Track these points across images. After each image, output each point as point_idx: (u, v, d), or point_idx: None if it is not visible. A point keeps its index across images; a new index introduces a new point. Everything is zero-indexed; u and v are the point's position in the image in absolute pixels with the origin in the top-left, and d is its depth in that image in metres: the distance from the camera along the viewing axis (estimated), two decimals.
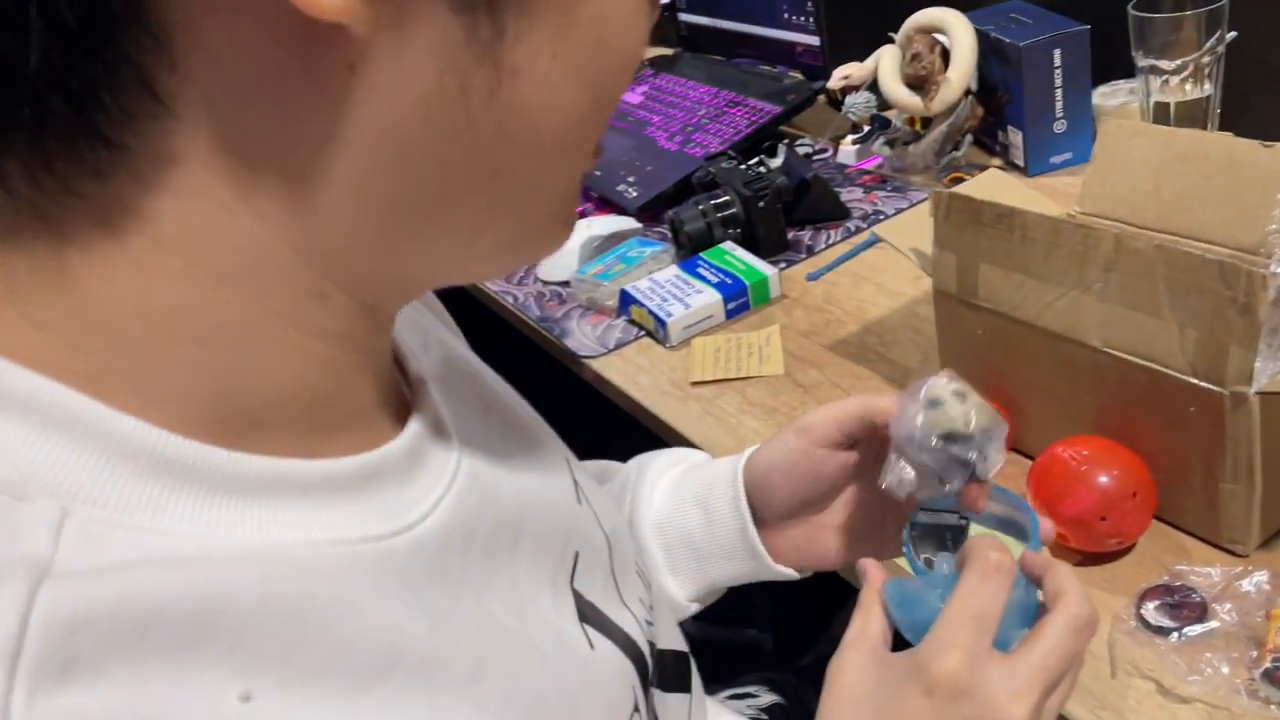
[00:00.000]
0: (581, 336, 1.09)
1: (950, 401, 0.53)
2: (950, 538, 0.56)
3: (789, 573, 0.63)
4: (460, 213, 0.33)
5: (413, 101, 0.30)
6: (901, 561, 0.62)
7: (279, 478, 0.32)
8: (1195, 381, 0.64)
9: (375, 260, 0.33)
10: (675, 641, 0.53)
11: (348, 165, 0.30)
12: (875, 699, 0.46)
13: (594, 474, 0.72)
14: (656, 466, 0.68)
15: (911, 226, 0.93)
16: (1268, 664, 0.59)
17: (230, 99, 0.28)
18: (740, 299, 1.07)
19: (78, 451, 0.28)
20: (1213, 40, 1.04)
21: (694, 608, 0.66)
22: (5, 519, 0.26)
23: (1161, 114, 1.08)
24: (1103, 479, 0.68)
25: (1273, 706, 0.59)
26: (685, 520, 0.64)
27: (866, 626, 0.49)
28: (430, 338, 0.47)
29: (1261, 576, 0.64)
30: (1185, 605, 0.63)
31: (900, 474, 0.54)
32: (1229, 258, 0.65)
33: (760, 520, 0.62)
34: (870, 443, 0.60)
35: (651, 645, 0.48)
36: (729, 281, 1.07)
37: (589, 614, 0.43)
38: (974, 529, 0.57)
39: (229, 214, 0.30)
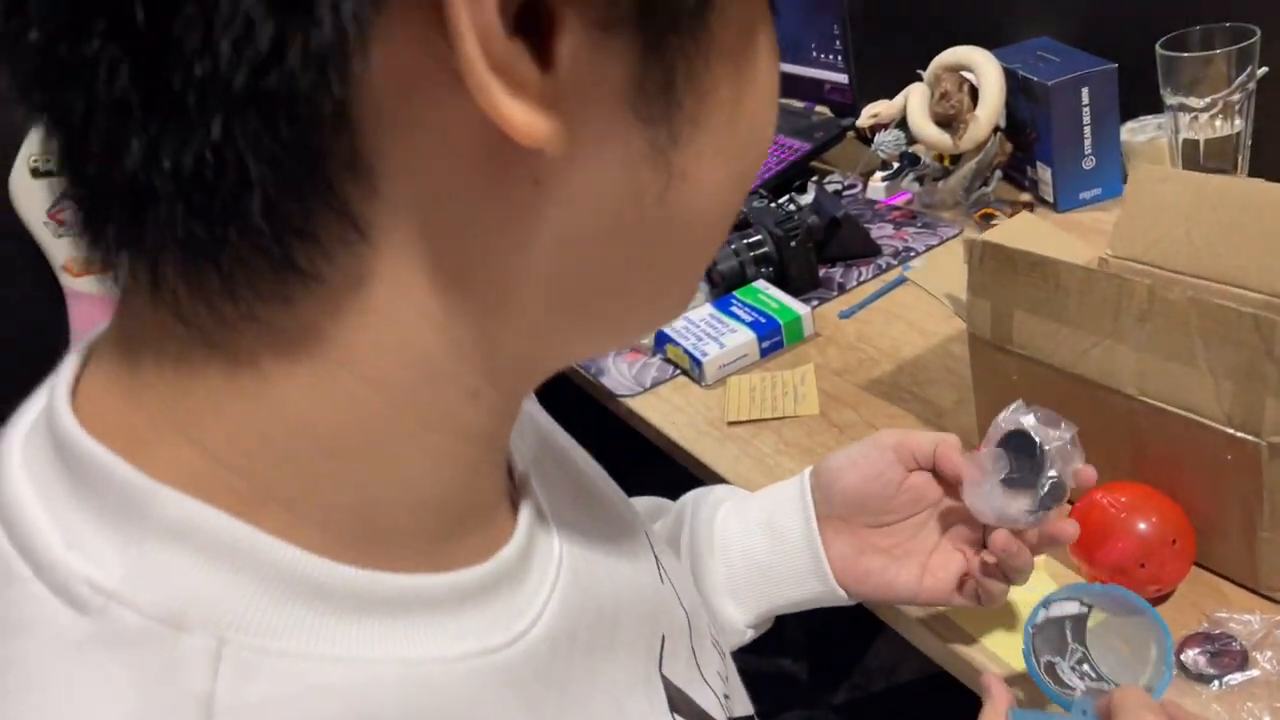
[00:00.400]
0: (618, 375, 1.11)
1: (1029, 424, 0.57)
2: (1071, 629, 0.59)
3: (846, 597, 0.67)
4: (617, 302, 0.34)
5: (592, 209, 0.30)
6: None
7: (412, 595, 0.32)
8: (1232, 432, 0.65)
9: (532, 353, 0.34)
10: (746, 706, 0.54)
11: (525, 275, 0.31)
12: None
13: (647, 512, 0.74)
14: (715, 495, 0.70)
15: (944, 269, 0.94)
16: None
17: (424, 221, 0.29)
18: (774, 338, 1.09)
19: (233, 579, 0.29)
20: (1243, 77, 1.05)
21: (750, 635, 0.68)
22: (167, 653, 0.27)
23: (1191, 151, 1.09)
24: (1142, 526, 0.69)
25: None
26: (751, 542, 0.67)
27: None
28: (524, 415, 0.46)
29: None
30: (1226, 653, 0.64)
31: (986, 497, 0.59)
32: (1263, 309, 0.66)
33: (819, 516, 0.65)
34: (926, 484, 0.64)
35: None
36: (763, 320, 1.09)
37: (678, 702, 0.44)
38: (1094, 616, 0.60)
39: (411, 330, 0.30)
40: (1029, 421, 0.63)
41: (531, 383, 0.37)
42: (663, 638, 0.45)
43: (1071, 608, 0.61)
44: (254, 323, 0.29)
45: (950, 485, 0.66)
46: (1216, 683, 0.63)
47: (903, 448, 0.65)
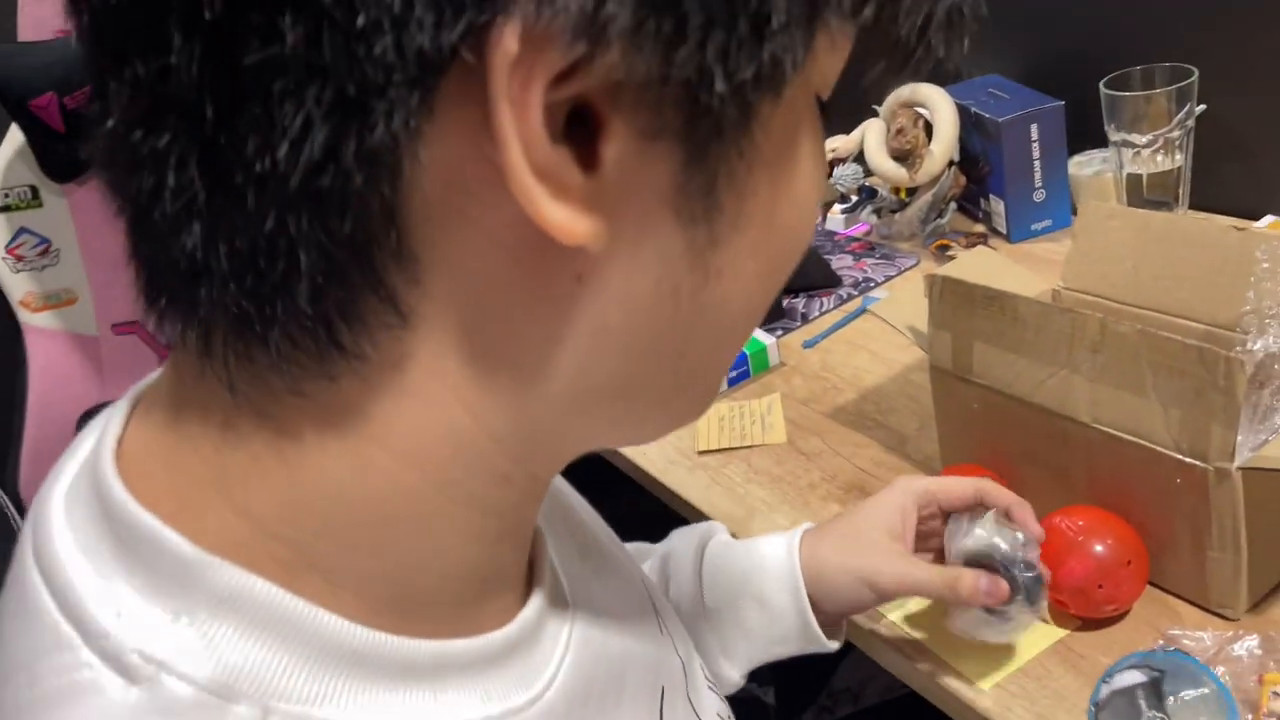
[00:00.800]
0: None
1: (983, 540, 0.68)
2: (1145, 698, 0.64)
3: (834, 647, 0.71)
4: (647, 394, 0.35)
5: (630, 305, 0.31)
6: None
7: (444, 660, 0.34)
8: (1180, 457, 0.69)
9: (561, 440, 0.35)
10: None
11: (559, 366, 0.32)
12: None
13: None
14: (699, 547, 0.73)
15: (904, 301, 0.98)
16: None
17: (463, 309, 0.30)
18: (741, 368, 1.11)
19: (279, 649, 0.30)
20: (1182, 114, 1.10)
21: (743, 681, 0.72)
22: None
23: (1135, 185, 1.14)
24: (1098, 548, 0.72)
25: None
26: (741, 614, 0.70)
27: None
28: None
29: (1252, 641, 0.68)
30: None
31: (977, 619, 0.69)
32: (1206, 339, 0.69)
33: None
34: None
35: None
36: None
37: None
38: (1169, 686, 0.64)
39: (445, 411, 0.31)
40: (982, 537, 0.68)
41: (559, 465, 0.38)
42: (662, 689, 0.46)
43: (1138, 676, 0.65)
44: (299, 396, 0.30)
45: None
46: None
47: (926, 500, 0.70)
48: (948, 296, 0.81)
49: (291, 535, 0.31)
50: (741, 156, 0.30)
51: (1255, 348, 0.75)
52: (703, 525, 0.77)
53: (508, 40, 0.25)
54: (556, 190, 0.27)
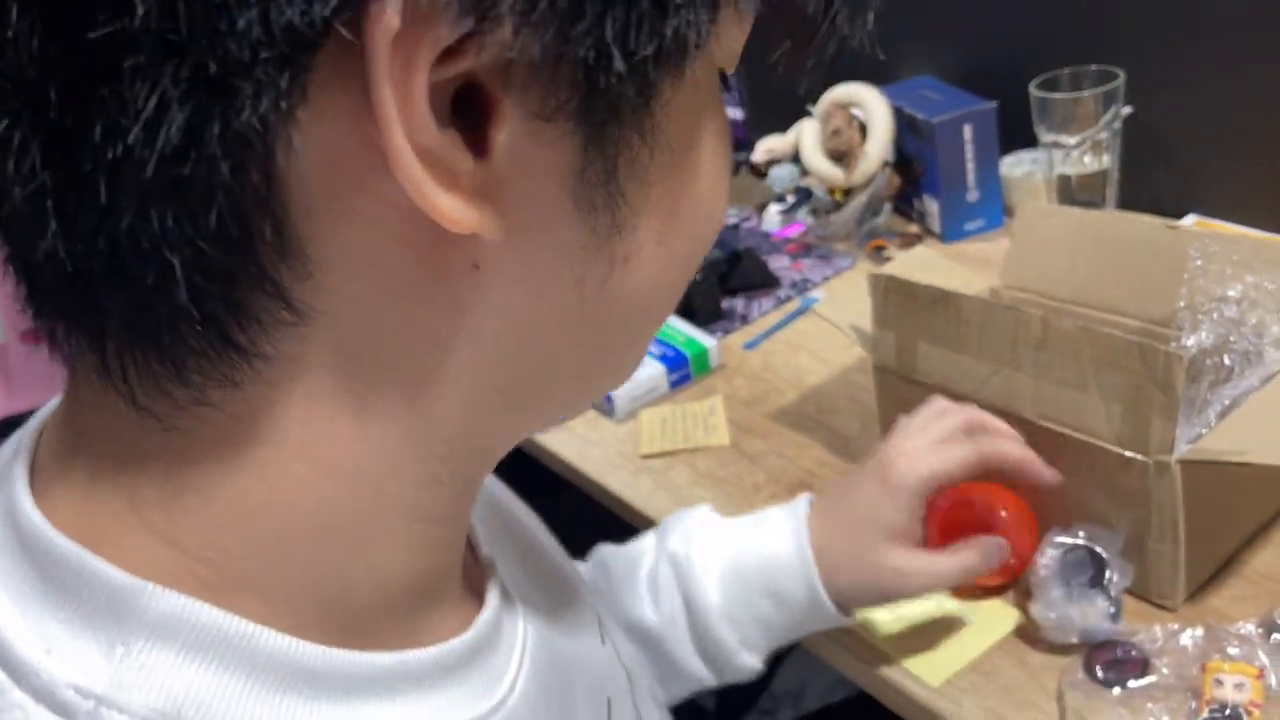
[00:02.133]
0: None
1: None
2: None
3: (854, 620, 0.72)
4: (567, 384, 0.34)
5: (532, 294, 0.30)
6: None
7: (398, 672, 0.32)
8: (1121, 451, 0.70)
9: (486, 439, 0.34)
10: None
11: (467, 358, 0.30)
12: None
13: (597, 563, 0.74)
14: (697, 553, 0.71)
15: (845, 301, 0.98)
16: (1205, 714, 0.64)
17: (361, 303, 0.28)
18: (682, 370, 1.11)
19: (224, 673, 0.29)
20: (1109, 116, 1.12)
21: (764, 667, 0.72)
22: None
23: (1065, 185, 1.16)
24: (1003, 513, 0.73)
25: None
26: (758, 610, 0.69)
27: None
28: None
29: (1197, 633, 0.69)
30: (1128, 661, 0.68)
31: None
32: (1141, 335, 0.71)
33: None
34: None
35: None
36: (670, 353, 1.11)
37: None
38: None
39: (353, 415, 0.30)
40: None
41: (489, 465, 0.36)
42: (609, 700, 0.45)
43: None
44: (205, 407, 0.28)
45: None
46: (1119, 688, 0.67)
47: (932, 487, 0.69)
48: (892, 296, 0.81)
49: (216, 557, 0.29)
50: (643, 139, 0.28)
51: (1189, 343, 0.77)
52: (698, 516, 0.75)
53: (388, 15, 0.23)
54: (445, 177, 0.26)
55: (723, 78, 0.32)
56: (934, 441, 0.69)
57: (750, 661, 0.70)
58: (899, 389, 0.84)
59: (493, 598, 0.38)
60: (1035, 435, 0.73)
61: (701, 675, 0.71)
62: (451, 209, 0.26)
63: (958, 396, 0.79)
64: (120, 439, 0.29)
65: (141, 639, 0.28)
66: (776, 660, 1.37)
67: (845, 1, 0.30)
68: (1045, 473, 0.70)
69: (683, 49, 0.27)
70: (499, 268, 0.29)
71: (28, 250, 0.26)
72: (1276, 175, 1.10)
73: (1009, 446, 0.70)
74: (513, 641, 0.38)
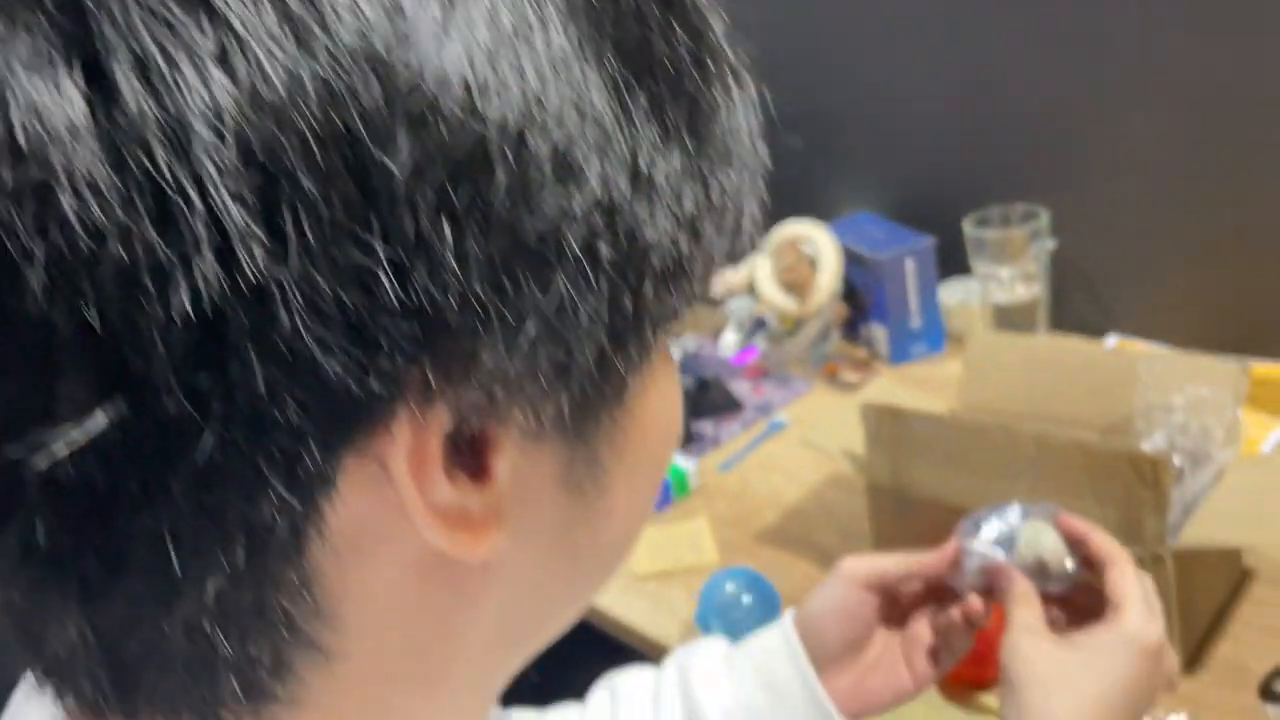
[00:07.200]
0: None
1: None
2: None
3: None
4: (565, 614, 0.37)
5: (533, 570, 0.33)
6: None
7: None
8: None
9: (498, 680, 0.37)
10: None
11: (478, 635, 0.33)
12: (1083, 673, 0.59)
13: (606, 688, 0.77)
14: (699, 659, 0.73)
15: (821, 425, 1.05)
16: None
17: (381, 630, 0.30)
18: (664, 493, 1.16)
19: None
20: (1036, 249, 1.24)
21: None
22: None
23: (1000, 312, 1.27)
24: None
25: None
26: (753, 702, 0.69)
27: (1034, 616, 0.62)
28: None
29: (1181, 718, 0.76)
30: None
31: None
32: (1107, 443, 0.79)
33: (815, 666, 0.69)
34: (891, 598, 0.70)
35: None
36: None
37: None
38: None
39: (378, 716, 0.32)
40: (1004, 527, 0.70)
41: (497, 695, 0.39)
42: None
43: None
44: None
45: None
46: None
47: (872, 581, 0.69)
48: (884, 425, 0.89)
49: None
50: (615, 423, 0.31)
51: (1146, 448, 0.86)
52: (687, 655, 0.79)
53: (400, 437, 0.26)
54: (460, 519, 0.28)
55: None
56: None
57: None
58: (893, 506, 0.91)
59: None
60: None
61: None
62: (466, 546, 0.28)
63: (954, 510, 0.86)
64: None
65: None
66: None
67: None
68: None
69: (648, 354, 0.31)
70: (505, 562, 0.31)
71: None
72: (1185, 299, 1.23)
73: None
74: None
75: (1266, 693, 0.76)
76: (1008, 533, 0.69)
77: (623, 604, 1.03)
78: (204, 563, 0.26)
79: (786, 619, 0.73)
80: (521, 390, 0.27)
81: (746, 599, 0.92)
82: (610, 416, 0.31)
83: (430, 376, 0.26)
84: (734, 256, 0.33)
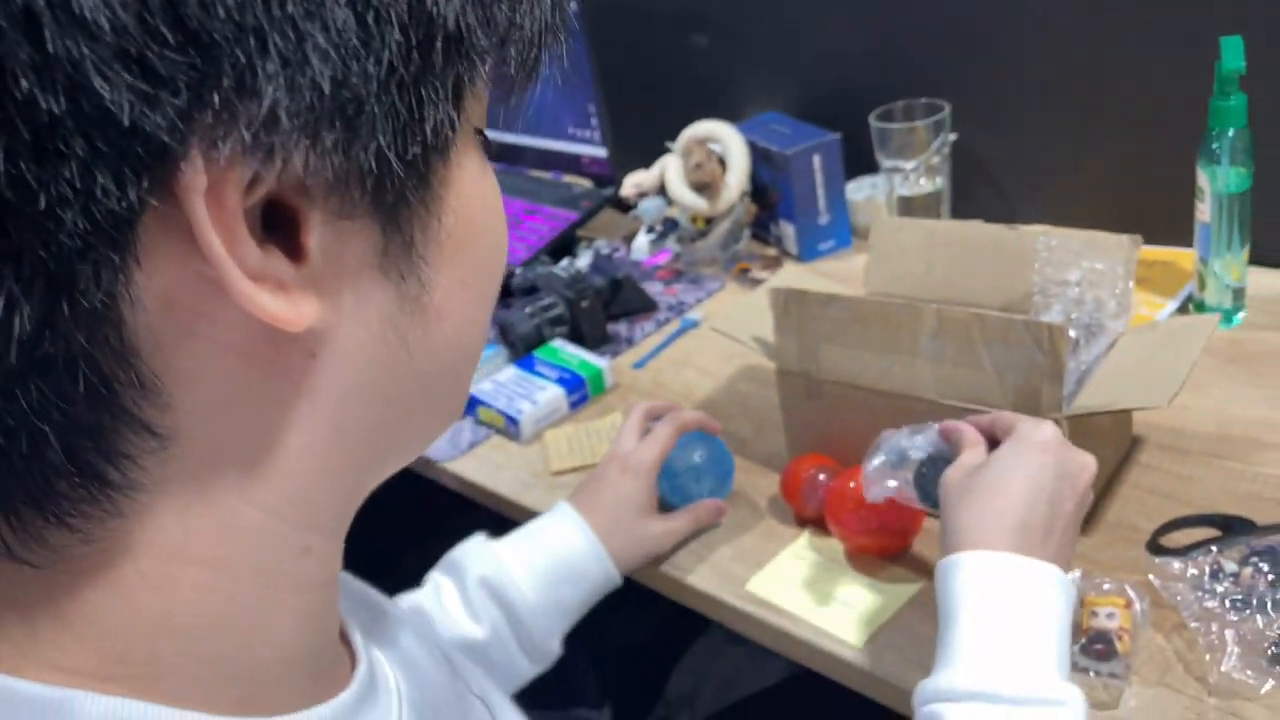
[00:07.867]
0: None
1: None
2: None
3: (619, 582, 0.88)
4: (405, 431, 0.38)
5: (365, 364, 0.34)
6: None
7: None
8: None
9: (344, 496, 0.38)
10: None
11: (316, 433, 0.34)
12: (988, 479, 0.66)
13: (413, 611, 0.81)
14: (501, 570, 0.84)
15: (731, 318, 1.06)
16: (1083, 641, 0.75)
17: (214, 413, 0.31)
18: (580, 391, 1.17)
19: None
20: (938, 143, 1.27)
21: (562, 650, 0.85)
22: None
23: (904, 206, 1.30)
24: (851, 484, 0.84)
25: (1090, 674, 0.74)
26: (561, 597, 0.84)
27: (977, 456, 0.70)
28: None
29: (1075, 574, 0.80)
30: None
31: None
32: (1029, 318, 0.82)
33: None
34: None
35: None
36: (568, 376, 1.17)
37: None
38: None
39: (223, 510, 0.33)
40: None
41: (349, 518, 0.39)
42: None
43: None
44: (91, 544, 0.31)
45: None
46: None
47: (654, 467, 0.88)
48: (792, 305, 0.90)
49: (126, 673, 0.32)
50: (428, 210, 0.33)
51: (1045, 320, 0.89)
52: (472, 556, 0.85)
53: (194, 177, 0.27)
54: (274, 287, 0.30)
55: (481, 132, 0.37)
56: (643, 435, 0.93)
57: (557, 647, 0.85)
58: (802, 388, 0.93)
59: (361, 653, 0.42)
60: (937, 414, 0.83)
61: (525, 671, 0.85)
62: (285, 312, 0.30)
63: (860, 388, 0.88)
64: (16, 581, 0.31)
65: None
66: (669, 665, 1.42)
67: (527, 68, 0.35)
68: (716, 424, 0.95)
69: (442, 137, 0.32)
70: (332, 349, 0.33)
71: None
72: (1083, 188, 1.26)
73: (686, 414, 0.94)
74: (388, 686, 0.43)
75: (1154, 547, 0.81)
76: (900, 449, 0.79)
77: (544, 501, 1.04)
78: (5, 301, 0.26)
79: (586, 528, 0.86)
80: (315, 145, 0.28)
81: (698, 456, 0.95)
82: (419, 199, 0.32)
83: (215, 113, 0.26)
84: (517, 26, 0.33)
